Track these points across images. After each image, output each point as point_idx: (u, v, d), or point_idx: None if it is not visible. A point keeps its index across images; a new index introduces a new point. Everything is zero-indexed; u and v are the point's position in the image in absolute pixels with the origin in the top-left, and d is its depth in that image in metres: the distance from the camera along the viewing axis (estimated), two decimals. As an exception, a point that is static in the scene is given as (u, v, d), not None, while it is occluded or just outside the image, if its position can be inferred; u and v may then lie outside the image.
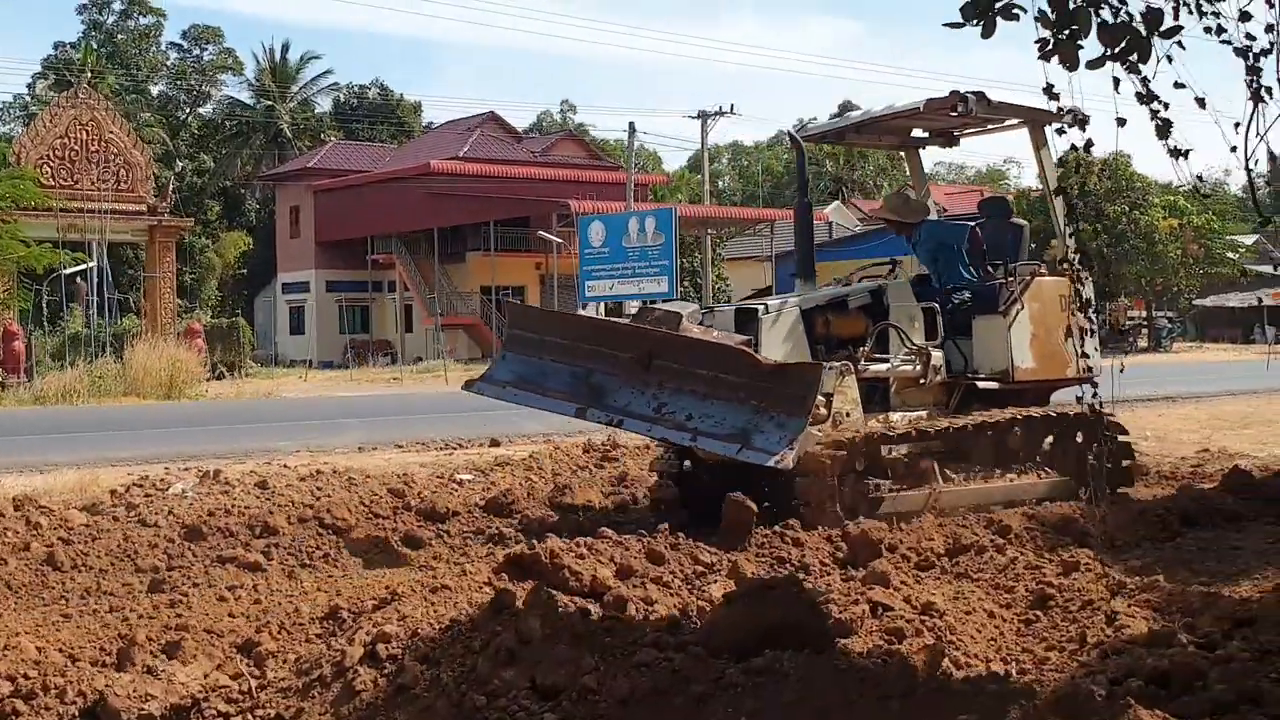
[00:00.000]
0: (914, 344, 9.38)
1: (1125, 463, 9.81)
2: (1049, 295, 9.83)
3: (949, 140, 10.97)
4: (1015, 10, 4.58)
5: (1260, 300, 52.52)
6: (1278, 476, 9.55)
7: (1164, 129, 4.99)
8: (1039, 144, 9.99)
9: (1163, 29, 4.96)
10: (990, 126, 10.64)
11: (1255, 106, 4.98)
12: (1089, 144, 5.58)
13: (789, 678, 4.44)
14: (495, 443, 14.41)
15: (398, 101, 78.48)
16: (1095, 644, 5.42)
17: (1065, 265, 9.47)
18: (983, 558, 7.26)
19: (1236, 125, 5.15)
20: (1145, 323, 53.51)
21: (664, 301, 35.83)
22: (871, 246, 54.31)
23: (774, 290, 51.10)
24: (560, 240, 43.66)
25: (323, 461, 12.77)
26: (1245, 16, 5.11)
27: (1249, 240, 56.54)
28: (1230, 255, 49.95)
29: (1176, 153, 5.09)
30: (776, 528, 7.66)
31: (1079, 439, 9.51)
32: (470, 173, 53.89)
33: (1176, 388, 22.32)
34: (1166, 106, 4.96)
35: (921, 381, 9.46)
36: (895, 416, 9.15)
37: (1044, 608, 6.14)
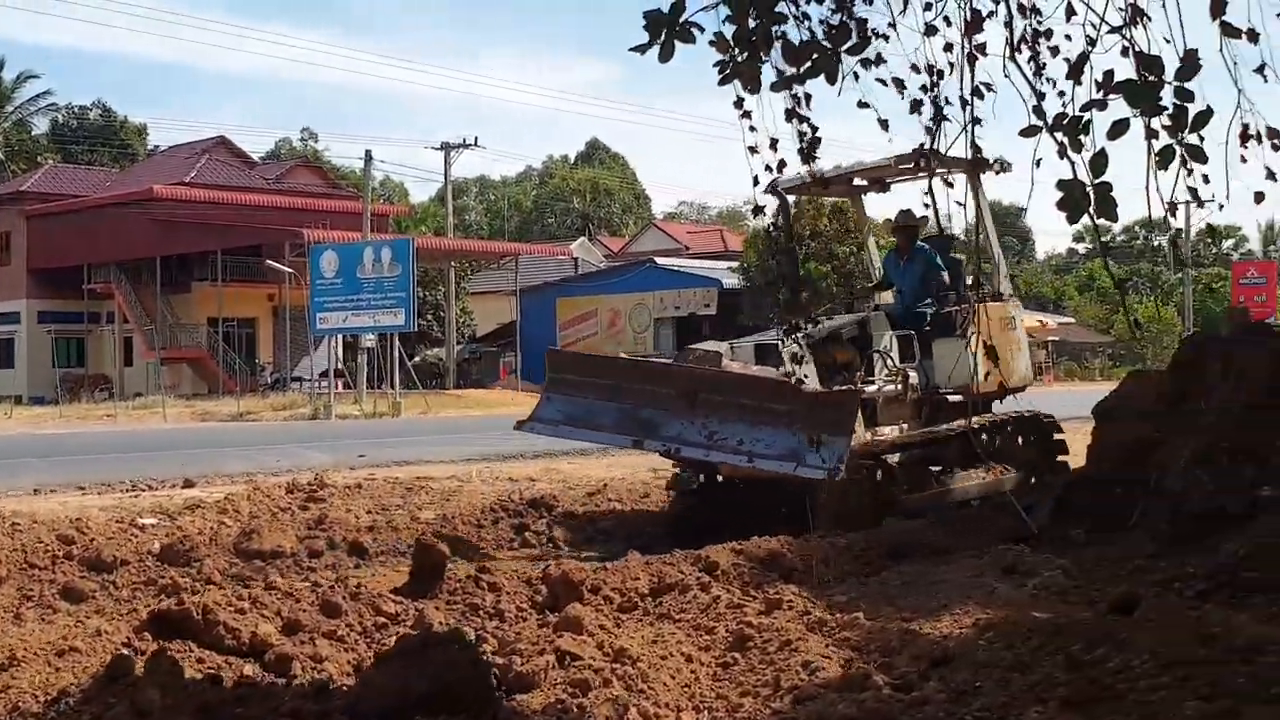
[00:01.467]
0: (896, 367, 10.57)
1: (1060, 457, 11.27)
2: (993, 318, 11.16)
3: (883, 187, 12.10)
4: (692, 31, 4.30)
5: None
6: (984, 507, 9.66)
7: (809, 151, 4.81)
8: (975, 189, 10.96)
9: (849, 45, 4.79)
10: (920, 175, 11.57)
11: (938, 126, 4.85)
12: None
13: (442, 746, 3.98)
14: (189, 483, 13.45)
15: (121, 123, 74.84)
16: (790, 688, 5.19)
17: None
18: (686, 597, 6.99)
19: (922, 146, 5.03)
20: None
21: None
22: (616, 282, 54.89)
23: (519, 325, 50.88)
24: (292, 271, 42.12)
25: (-14, 506, 11.58)
26: (931, 30, 4.98)
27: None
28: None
29: (820, 181, 4.93)
30: (472, 572, 7.23)
31: (1030, 439, 11.20)
32: (197, 199, 51.65)
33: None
34: (815, 129, 4.80)
35: (900, 399, 10.56)
36: (885, 430, 10.23)
37: (743, 649, 5.90)
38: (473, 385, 48.05)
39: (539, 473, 14.60)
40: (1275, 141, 4.36)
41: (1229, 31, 4.06)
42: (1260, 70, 4.30)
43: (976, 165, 10.67)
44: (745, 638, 5.98)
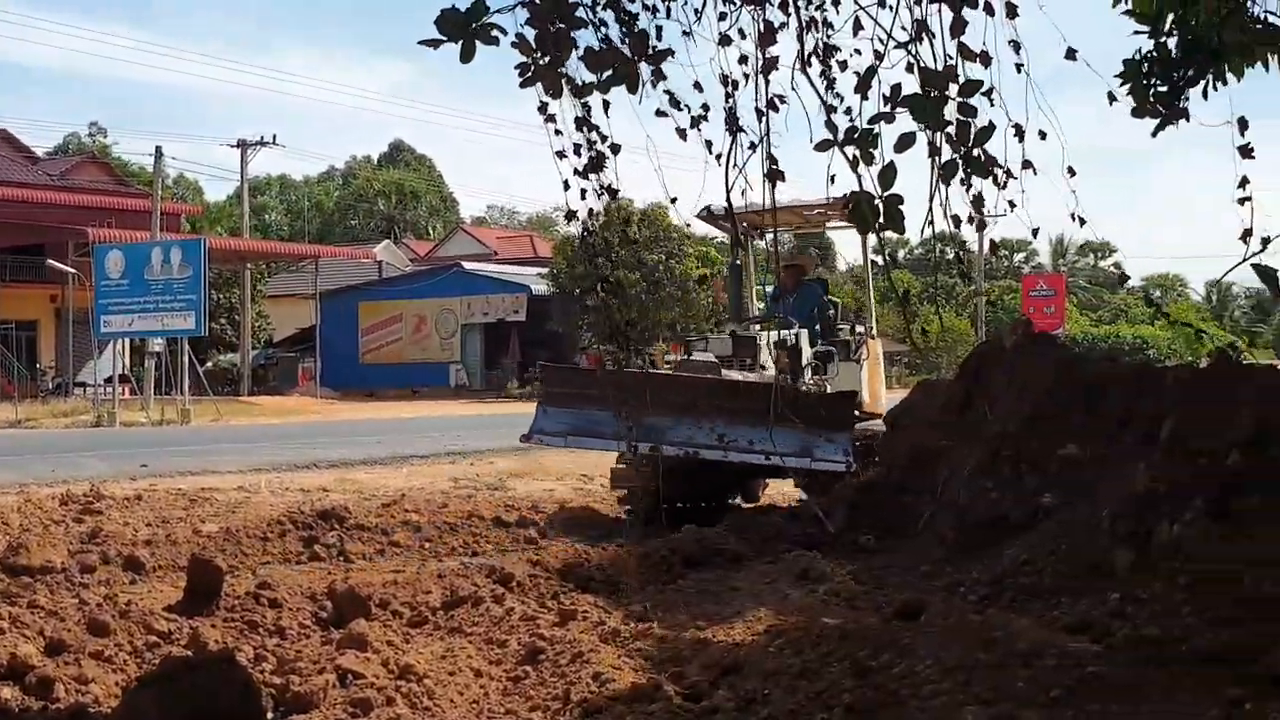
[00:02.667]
0: (820, 377, 11.96)
1: None
2: (873, 351, 13.15)
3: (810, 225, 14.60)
4: (495, 34, 4.23)
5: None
6: (771, 513, 9.79)
7: (596, 163, 4.79)
8: (865, 236, 12.93)
9: (651, 53, 4.79)
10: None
11: (734, 138, 4.88)
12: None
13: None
14: (-47, 495, 12.72)
15: (-111, 112, 70.63)
16: (579, 701, 5.16)
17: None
18: (480, 610, 6.92)
19: (719, 157, 5.05)
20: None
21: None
22: (421, 286, 54.18)
23: (318, 330, 49.68)
24: (75, 271, 40.32)
25: None
26: (725, 40, 5.01)
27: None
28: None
29: (609, 190, 4.92)
30: (253, 588, 6.97)
31: None
32: (-27, 194, 49.02)
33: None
34: (605, 139, 4.79)
35: None
36: None
37: (534, 663, 5.85)
38: (269, 392, 46.84)
39: (332, 483, 14.27)
40: (991, 169, 4.54)
41: (965, 54, 4.19)
42: (989, 94, 4.46)
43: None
44: (537, 650, 5.94)
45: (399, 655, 5.65)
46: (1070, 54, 5.13)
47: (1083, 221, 5.23)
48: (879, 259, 13.54)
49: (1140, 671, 4.96)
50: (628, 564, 8.16)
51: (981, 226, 4.66)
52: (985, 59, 4.29)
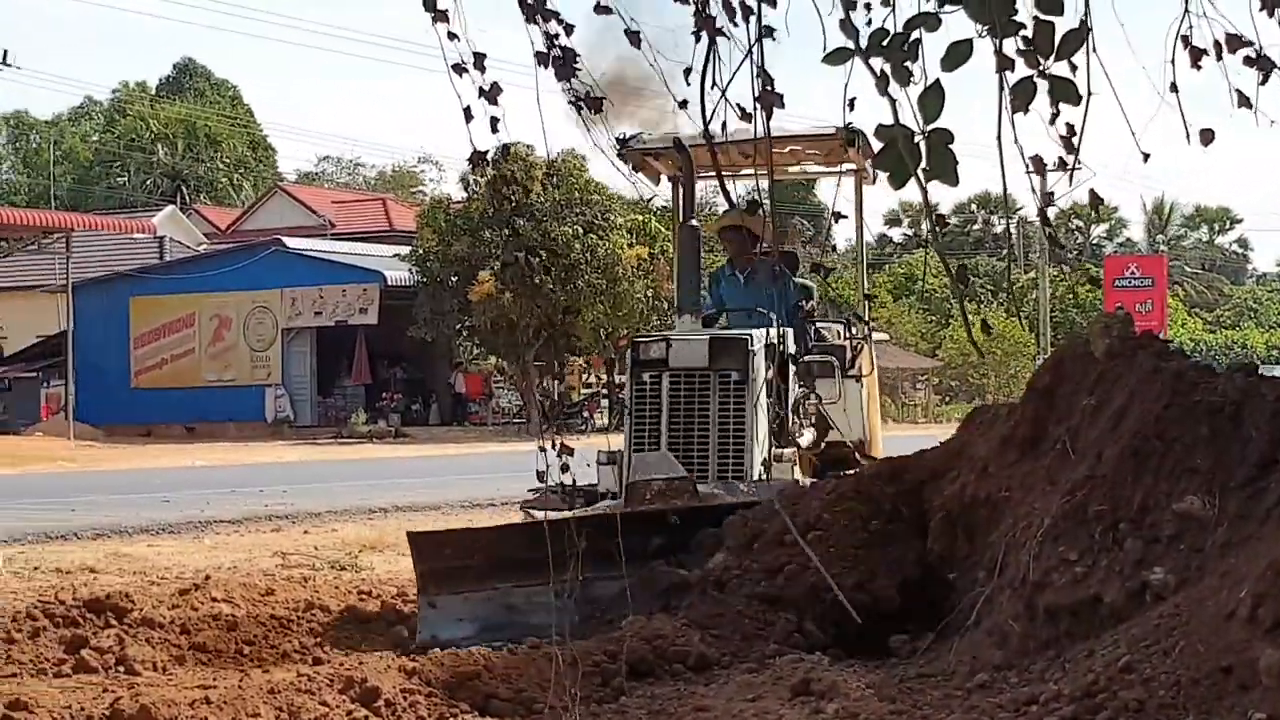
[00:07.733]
0: (815, 403, 12.64)
1: None
2: (873, 363, 13.85)
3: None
4: None
5: None
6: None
7: (567, 63, 4.83)
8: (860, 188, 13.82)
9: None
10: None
11: (711, 44, 4.94)
12: None
13: None
14: None
15: None
16: None
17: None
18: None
19: (687, 73, 5.09)
20: (605, 392, 55.51)
21: None
22: (224, 274, 53.88)
23: (70, 338, 49.11)
24: None
25: None
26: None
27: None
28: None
29: (589, 102, 4.94)
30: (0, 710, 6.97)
31: None
32: None
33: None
34: (570, 30, 4.83)
35: (814, 447, 12.64)
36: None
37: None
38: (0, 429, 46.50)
39: (102, 560, 14.18)
40: (1248, 54, 4.54)
41: None
42: None
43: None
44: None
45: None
46: None
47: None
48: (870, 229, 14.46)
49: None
50: (546, 674, 8.18)
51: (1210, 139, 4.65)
52: None
